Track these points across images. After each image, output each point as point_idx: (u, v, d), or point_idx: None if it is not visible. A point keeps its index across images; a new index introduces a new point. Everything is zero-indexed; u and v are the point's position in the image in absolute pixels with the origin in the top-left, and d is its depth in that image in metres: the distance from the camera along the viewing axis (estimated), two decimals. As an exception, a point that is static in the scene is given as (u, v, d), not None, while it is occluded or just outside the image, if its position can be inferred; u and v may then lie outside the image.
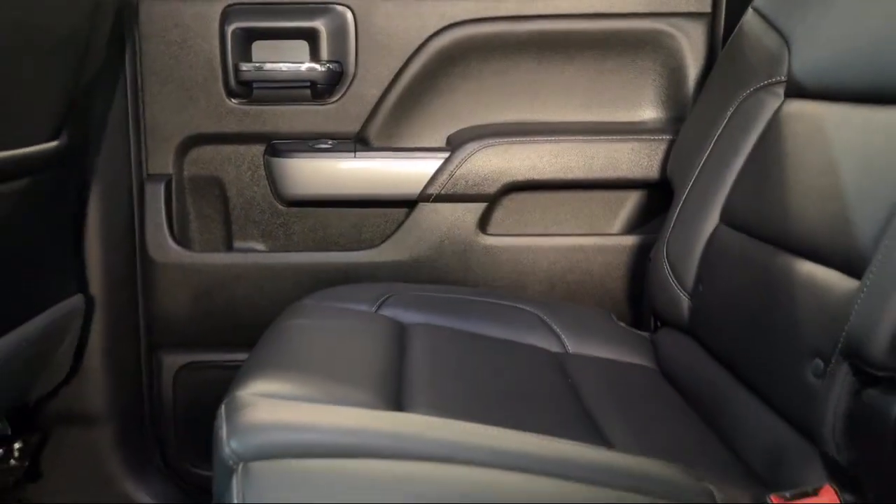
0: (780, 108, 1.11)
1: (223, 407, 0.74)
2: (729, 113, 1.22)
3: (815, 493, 0.71)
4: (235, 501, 0.59)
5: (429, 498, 0.59)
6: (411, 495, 0.60)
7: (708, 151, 1.23)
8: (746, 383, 0.97)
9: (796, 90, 1.10)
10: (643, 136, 1.40)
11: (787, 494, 0.71)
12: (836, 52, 1.04)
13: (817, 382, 0.78)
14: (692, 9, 1.42)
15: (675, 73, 1.44)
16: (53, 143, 1.07)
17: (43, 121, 1.05)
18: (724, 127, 1.22)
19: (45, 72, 1.03)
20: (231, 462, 0.64)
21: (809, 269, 0.89)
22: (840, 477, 0.72)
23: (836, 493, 0.70)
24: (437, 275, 1.42)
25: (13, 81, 0.96)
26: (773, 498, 0.71)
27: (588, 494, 0.62)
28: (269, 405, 0.73)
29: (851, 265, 0.79)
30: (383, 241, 1.44)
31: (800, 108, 1.07)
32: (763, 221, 1.03)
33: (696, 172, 1.23)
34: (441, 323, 1.18)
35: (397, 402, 0.88)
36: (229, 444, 0.66)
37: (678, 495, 0.66)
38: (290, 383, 0.81)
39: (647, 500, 0.63)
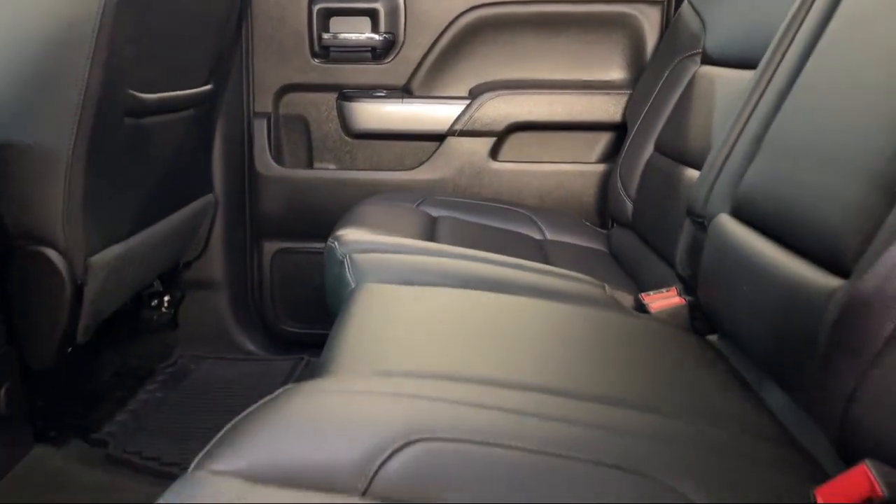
0: (696, 72, 1.61)
1: (330, 238, 1.28)
2: (665, 75, 1.70)
3: (668, 291, 1.23)
4: (347, 273, 1.14)
5: (449, 274, 1.14)
6: (439, 272, 1.15)
7: (650, 102, 1.73)
8: (654, 249, 1.50)
9: (707, 59, 1.59)
10: (611, 91, 1.88)
11: (651, 293, 1.24)
12: (728, 31, 1.53)
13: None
14: None
15: (636, 45, 1.91)
16: (207, 87, 1.61)
17: (203, 72, 1.59)
18: (662, 85, 1.70)
19: (206, 41, 1.57)
20: (340, 256, 1.19)
21: (690, 173, 1.40)
22: (683, 284, 1.25)
23: (678, 291, 1.22)
24: (458, 190, 1.90)
25: (194, 45, 1.50)
26: (642, 294, 1.24)
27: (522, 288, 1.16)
28: (357, 233, 1.28)
29: (705, 166, 1.31)
30: (420, 165, 1.92)
31: (707, 72, 1.56)
32: (675, 147, 1.54)
33: (642, 117, 1.74)
34: (460, 217, 1.69)
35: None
36: (339, 248, 1.21)
37: (575, 285, 1.19)
38: (365, 233, 1.36)
39: (554, 286, 1.17)
